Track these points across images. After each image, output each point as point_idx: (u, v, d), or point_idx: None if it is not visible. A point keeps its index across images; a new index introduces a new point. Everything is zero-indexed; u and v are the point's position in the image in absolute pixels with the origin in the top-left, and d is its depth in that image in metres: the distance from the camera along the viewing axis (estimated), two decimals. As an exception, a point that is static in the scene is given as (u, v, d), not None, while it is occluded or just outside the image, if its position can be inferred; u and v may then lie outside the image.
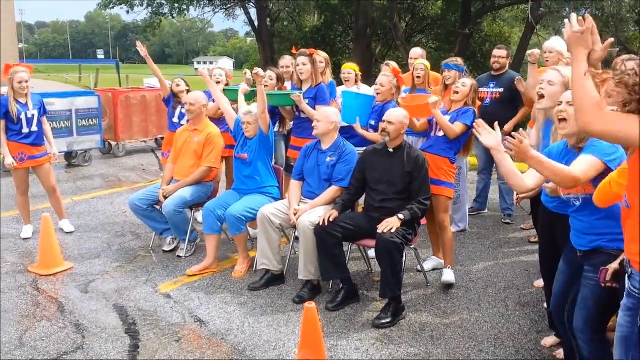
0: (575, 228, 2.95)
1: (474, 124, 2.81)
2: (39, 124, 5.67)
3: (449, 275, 4.65)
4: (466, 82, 4.61)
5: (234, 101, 5.55)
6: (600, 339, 2.87)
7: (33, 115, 5.59)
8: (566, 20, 2.16)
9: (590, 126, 1.99)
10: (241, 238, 4.84)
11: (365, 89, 5.86)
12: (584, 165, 2.69)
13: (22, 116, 5.50)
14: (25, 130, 5.56)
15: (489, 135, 2.78)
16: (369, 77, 13.49)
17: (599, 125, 1.97)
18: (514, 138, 2.58)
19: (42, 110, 5.72)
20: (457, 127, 4.50)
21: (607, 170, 2.70)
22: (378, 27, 20.89)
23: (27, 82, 5.50)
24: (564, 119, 2.87)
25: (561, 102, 2.91)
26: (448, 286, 4.61)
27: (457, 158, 4.71)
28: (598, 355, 2.87)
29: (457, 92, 4.60)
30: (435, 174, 4.50)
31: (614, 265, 2.72)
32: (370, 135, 4.97)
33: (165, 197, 5.05)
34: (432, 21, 22.16)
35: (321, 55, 5.55)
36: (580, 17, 2.15)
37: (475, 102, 4.66)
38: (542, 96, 3.38)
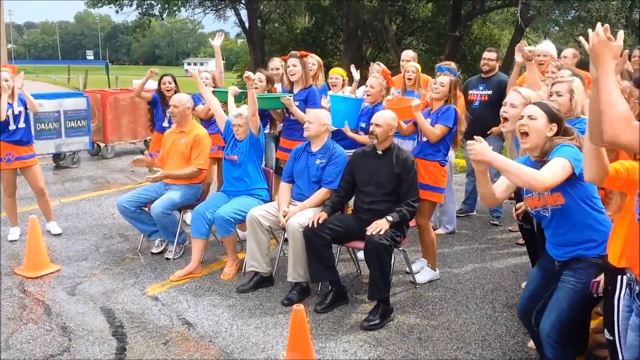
0: (550, 241, 2.97)
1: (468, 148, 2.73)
2: (27, 120, 5.63)
3: (423, 275, 4.74)
4: (444, 81, 4.57)
5: (224, 103, 5.54)
6: (566, 343, 2.89)
7: (20, 112, 5.55)
8: (590, 31, 2.08)
9: (618, 138, 1.96)
10: (230, 240, 4.83)
11: (349, 93, 5.87)
12: (553, 167, 2.68)
13: (9, 113, 5.47)
14: (12, 127, 5.52)
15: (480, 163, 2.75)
16: (361, 79, 13.51)
17: (627, 137, 1.95)
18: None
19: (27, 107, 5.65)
20: (438, 130, 4.50)
21: (572, 175, 2.71)
22: (369, 29, 20.95)
23: (7, 80, 5.44)
24: (526, 133, 2.89)
25: (522, 117, 2.92)
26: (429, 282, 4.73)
27: (447, 160, 4.71)
28: (560, 355, 2.89)
29: (437, 92, 4.59)
30: (424, 179, 4.50)
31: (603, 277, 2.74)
32: (361, 137, 4.97)
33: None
34: (422, 23, 22.24)
35: (314, 58, 5.57)
36: (606, 25, 2.10)
37: (456, 98, 4.64)
38: (506, 119, 3.47)
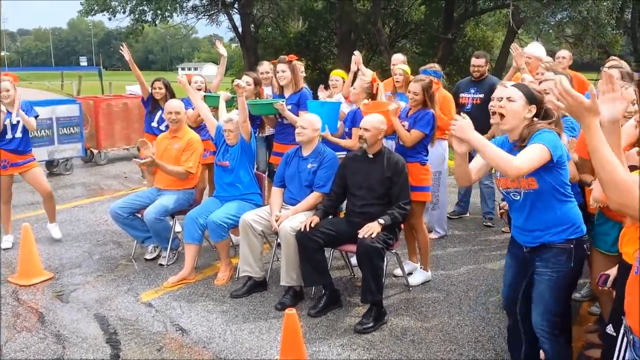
0: (517, 225, 2.98)
1: (450, 134, 2.75)
2: (24, 130, 5.61)
3: (416, 277, 4.76)
4: (416, 90, 4.57)
5: (215, 108, 5.56)
6: (560, 332, 2.91)
7: (18, 121, 5.54)
8: (553, 87, 1.94)
9: (625, 208, 1.78)
10: (223, 245, 4.83)
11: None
12: (530, 153, 2.66)
13: (7, 122, 5.47)
14: (9, 136, 5.52)
15: (461, 143, 2.76)
16: (353, 82, 13.54)
17: (634, 206, 1.76)
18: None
19: (30, 113, 5.62)
20: (413, 135, 4.55)
21: (550, 162, 2.70)
22: (362, 32, 20.98)
23: (8, 91, 5.44)
24: (502, 115, 2.85)
25: (501, 98, 2.87)
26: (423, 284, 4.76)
27: (428, 159, 4.74)
28: (559, 349, 2.91)
29: (413, 100, 4.61)
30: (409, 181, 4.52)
31: (613, 271, 2.75)
32: (343, 142, 4.98)
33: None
34: (415, 26, 22.28)
35: (301, 65, 5.63)
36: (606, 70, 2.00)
37: (433, 100, 4.63)
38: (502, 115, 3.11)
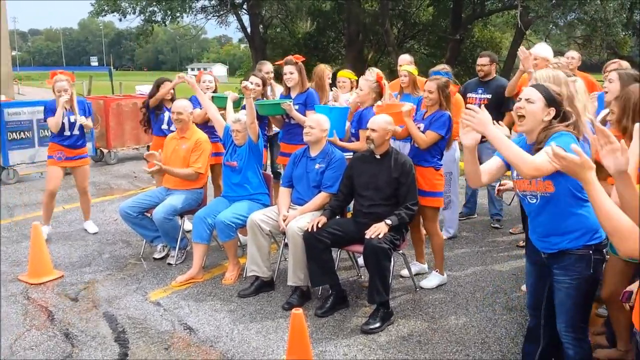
0: (535, 231, 2.94)
1: (462, 118, 2.72)
2: (81, 128, 5.94)
3: (430, 281, 4.76)
4: (431, 88, 4.54)
5: (223, 108, 5.59)
6: (584, 337, 2.90)
7: (75, 120, 5.85)
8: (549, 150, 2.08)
9: (635, 254, 1.83)
10: (231, 245, 4.86)
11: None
12: (545, 156, 2.54)
13: (65, 120, 5.78)
14: (67, 133, 5.86)
15: (469, 134, 2.74)
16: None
17: None
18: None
19: (87, 113, 6.02)
20: (429, 137, 4.49)
21: None
22: (370, 33, 21.00)
23: (66, 91, 5.77)
24: (522, 116, 2.81)
25: (520, 99, 2.84)
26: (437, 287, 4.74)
27: (442, 164, 4.71)
28: (583, 354, 2.90)
29: (428, 99, 4.58)
30: (421, 185, 4.50)
31: (636, 286, 2.69)
32: (351, 145, 4.96)
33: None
34: (423, 27, 22.29)
35: (330, 71, 5.78)
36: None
37: (449, 100, 4.59)
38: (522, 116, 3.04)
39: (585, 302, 2.85)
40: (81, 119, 5.86)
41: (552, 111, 2.77)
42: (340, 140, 4.94)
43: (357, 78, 6.20)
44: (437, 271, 4.81)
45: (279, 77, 6.70)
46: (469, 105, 2.69)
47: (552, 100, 2.78)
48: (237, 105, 5.56)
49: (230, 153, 5.06)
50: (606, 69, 5.79)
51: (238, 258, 5.02)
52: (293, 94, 5.46)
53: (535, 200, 2.85)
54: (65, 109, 5.76)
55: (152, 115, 6.12)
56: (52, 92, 5.84)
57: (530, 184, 2.83)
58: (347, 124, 5.20)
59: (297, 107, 5.33)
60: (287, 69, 5.42)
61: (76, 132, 5.90)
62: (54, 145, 5.90)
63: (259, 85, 5.55)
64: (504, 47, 21.79)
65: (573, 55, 6.26)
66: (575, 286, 2.79)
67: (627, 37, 18.30)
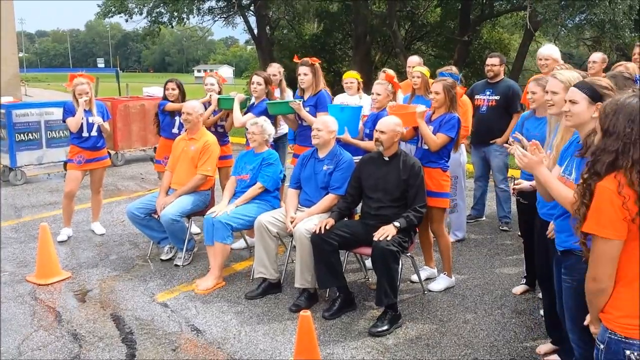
0: (555, 224, 2.97)
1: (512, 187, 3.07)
2: (99, 129, 5.96)
3: (439, 283, 4.73)
4: (438, 89, 4.52)
5: (229, 110, 5.58)
6: (589, 338, 2.87)
7: (93, 121, 5.88)
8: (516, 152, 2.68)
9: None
10: (220, 251, 4.73)
11: (366, 99, 5.86)
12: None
13: (83, 121, 5.82)
14: (85, 134, 5.89)
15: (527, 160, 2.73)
16: (369, 84, 13.58)
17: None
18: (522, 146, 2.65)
19: (105, 117, 6.04)
20: (440, 139, 4.47)
21: None
22: (377, 34, 20.95)
23: (87, 93, 5.82)
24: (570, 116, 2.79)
25: (566, 101, 2.80)
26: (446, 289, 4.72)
27: (448, 165, 4.68)
28: (587, 354, 2.87)
29: (435, 100, 4.56)
30: (428, 186, 4.48)
31: None
32: (363, 143, 4.93)
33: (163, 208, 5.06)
34: (431, 28, 22.21)
35: (275, 68, 5.95)
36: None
37: (455, 102, 4.57)
38: (551, 105, 3.33)
39: (584, 300, 2.84)
40: (98, 119, 5.88)
41: (599, 106, 2.72)
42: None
43: (363, 80, 6.21)
44: (445, 274, 4.78)
45: (291, 81, 6.73)
46: (519, 148, 2.72)
47: (596, 95, 2.71)
48: (244, 106, 5.55)
49: (241, 167, 5.06)
50: (590, 62, 5.74)
51: (222, 270, 4.89)
52: (306, 96, 5.45)
53: None
54: (84, 109, 5.80)
55: (165, 117, 6.07)
56: (72, 95, 5.87)
57: (566, 184, 2.80)
58: (360, 124, 5.17)
59: (307, 108, 5.32)
60: (301, 69, 5.40)
61: (94, 133, 5.93)
62: (74, 148, 5.93)
63: (260, 84, 5.53)
64: (513, 48, 21.68)
65: (594, 60, 5.88)
66: (575, 286, 2.78)
67: (635, 39, 18.18)
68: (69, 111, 5.86)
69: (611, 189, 2.03)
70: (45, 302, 4.52)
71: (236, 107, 5.40)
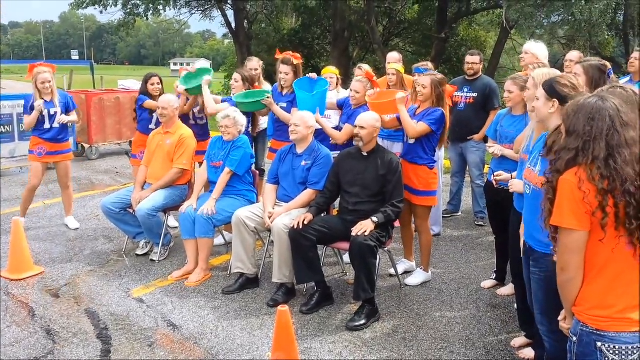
0: (524, 218, 3.03)
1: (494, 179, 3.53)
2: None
3: (415, 278, 4.77)
4: (425, 83, 4.50)
5: (200, 94, 5.53)
6: (560, 332, 2.92)
7: (55, 112, 5.76)
8: None
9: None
10: (205, 244, 4.75)
11: (344, 95, 5.85)
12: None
13: (45, 113, 5.70)
14: (47, 126, 5.76)
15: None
16: (346, 80, 13.60)
17: None
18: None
19: (70, 106, 5.93)
20: (420, 127, 4.43)
21: None
22: (355, 30, 21.00)
23: (50, 82, 5.70)
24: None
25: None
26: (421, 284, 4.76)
27: (435, 162, 4.67)
28: (557, 346, 2.91)
29: (421, 93, 4.55)
30: (415, 185, 4.51)
31: None
32: (331, 131, 4.97)
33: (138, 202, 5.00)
34: (408, 25, 22.37)
35: (255, 62, 5.95)
36: None
37: (442, 98, 4.54)
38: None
39: (556, 295, 2.89)
40: (63, 119, 5.76)
41: (555, 102, 2.79)
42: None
43: (341, 75, 6.20)
44: (422, 268, 4.82)
45: (269, 75, 6.69)
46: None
47: (552, 91, 2.80)
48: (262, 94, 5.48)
49: (214, 154, 5.01)
50: (567, 60, 5.39)
51: (209, 263, 4.90)
52: (284, 92, 5.43)
53: (529, 191, 2.92)
54: (46, 100, 5.68)
55: (142, 112, 5.98)
56: (34, 85, 5.72)
57: (530, 173, 2.90)
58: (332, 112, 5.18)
59: (285, 104, 5.29)
60: (283, 68, 5.37)
61: (56, 125, 5.80)
62: (34, 139, 5.81)
63: (237, 81, 5.51)
64: (489, 46, 21.93)
65: (571, 58, 5.38)
66: (544, 277, 2.84)
67: (610, 38, 18.50)
68: (27, 107, 5.71)
69: (572, 182, 2.09)
70: (18, 297, 4.44)
71: (205, 90, 5.35)
